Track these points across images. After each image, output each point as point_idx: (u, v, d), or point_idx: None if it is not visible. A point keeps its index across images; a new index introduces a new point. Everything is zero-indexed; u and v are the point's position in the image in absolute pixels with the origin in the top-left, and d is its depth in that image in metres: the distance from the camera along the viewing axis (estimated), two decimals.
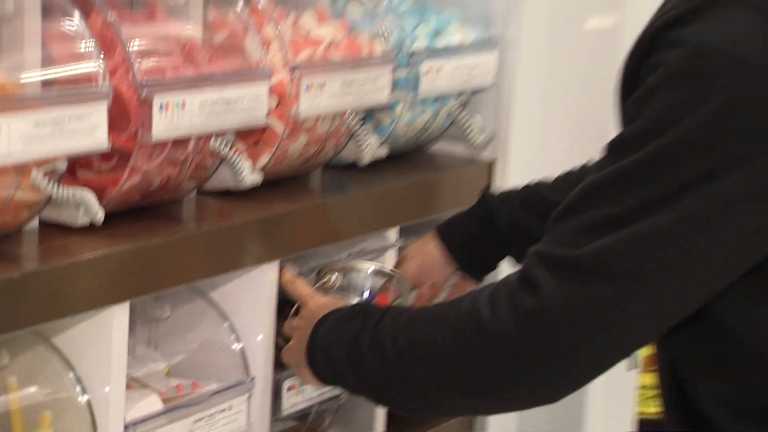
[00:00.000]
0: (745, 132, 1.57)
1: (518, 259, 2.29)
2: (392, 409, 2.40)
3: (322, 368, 1.97)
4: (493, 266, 2.42)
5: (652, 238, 1.60)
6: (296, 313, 2.11)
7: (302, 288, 2.13)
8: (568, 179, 2.32)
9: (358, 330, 1.90)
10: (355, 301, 2.13)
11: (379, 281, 2.23)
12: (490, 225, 2.32)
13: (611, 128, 2.37)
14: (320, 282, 2.20)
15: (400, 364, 1.83)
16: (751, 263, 1.63)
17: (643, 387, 3.00)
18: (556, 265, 1.64)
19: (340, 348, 1.93)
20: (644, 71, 1.64)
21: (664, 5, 1.69)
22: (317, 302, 2.05)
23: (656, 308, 1.65)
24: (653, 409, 3.18)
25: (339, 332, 1.94)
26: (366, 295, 2.21)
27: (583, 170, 2.32)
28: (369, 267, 2.23)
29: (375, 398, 2.00)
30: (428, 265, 2.35)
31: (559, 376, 1.71)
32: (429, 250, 2.36)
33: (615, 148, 1.66)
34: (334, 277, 2.20)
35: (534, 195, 2.33)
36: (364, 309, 1.96)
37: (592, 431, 2.88)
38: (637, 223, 1.59)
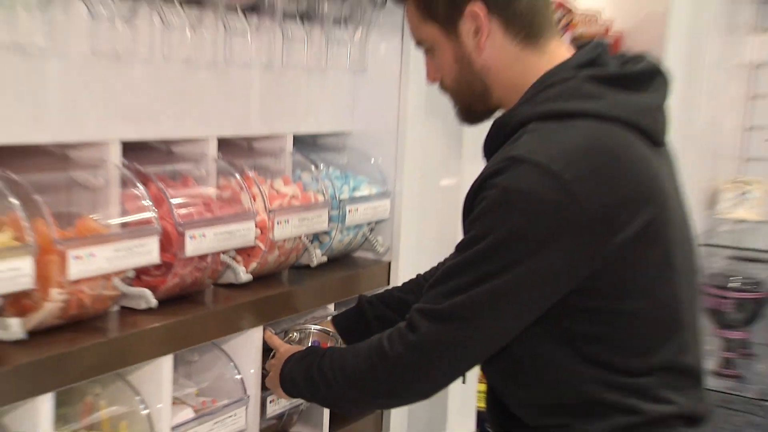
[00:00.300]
0: (529, 240, 1.55)
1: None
2: (334, 410, 2.35)
3: (289, 389, 1.94)
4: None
5: (480, 299, 1.58)
6: (272, 356, 2.06)
7: (276, 341, 2.09)
8: (413, 281, 2.27)
9: (309, 363, 1.87)
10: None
11: (321, 336, 2.17)
12: (361, 319, 2.22)
13: (458, 237, 2.40)
14: (287, 338, 2.15)
15: (336, 382, 1.80)
16: (536, 315, 1.61)
17: (479, 391, 2.98)
18: (427, 314, 1.64)
19: (299, 375, 1.89)
20: (476, 203, 1.61)
21: (485, 168, 1.64)
22: (285, 349, 2.01)
23: (485, 340, 1.65)
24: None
25: (298, 365, 1.91)
26: (314, 344, 2.14)
27: (423, 275, 2.28)
28: (314, 328, 2.17)
29: (323, 404, 1.99)
30: None
31: (431, 382, 1.70)
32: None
33: (460, 248, 1.64)
34: (294, 335, 2.15)
35: (390, 296, 2.25)
36: (313, 350, 1.94)
37: (453, 420, 2.86)
38: (472, 290, 1.58)
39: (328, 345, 2.14)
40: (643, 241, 1.60)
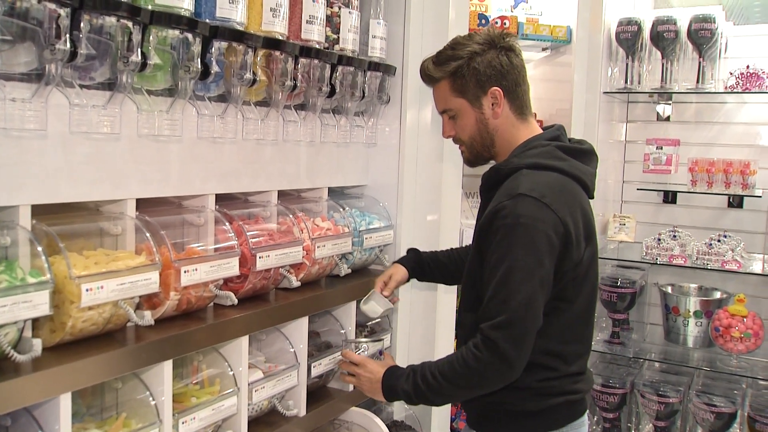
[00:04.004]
0: (541, 246, 1.55)
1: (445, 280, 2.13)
2: (435, 406, 1.98)
3: (390, 396, 1.77)
4: (426, 279, 2.16)
5: (525, 298, 1.54)
6: (349, 362, 1.91)
7: (358, 357, 1.87)
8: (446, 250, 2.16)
9: (414, 378, 1.69)
10: (377, 356, 1.94)
11: (378, 344, 1.99)
12: (419, 260, 2.12)
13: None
14: (358, 351, 1.93)
15: (442, 389, 1.65)
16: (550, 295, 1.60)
17: None
18: (497, 327, 1.56)
19: (407, 386, 1.71)
20: (494, 226, 1.58)
21: (495, 200, 1.62)
22: (372, 365, 1.83)
23: (538, 320, 1.58)
24: None
25: (399, 379, 1.73)
26: (380, 353, 1.97)
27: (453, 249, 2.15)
28: (380, 342, 1.99)
29: (428, 404, 1.73)
30: (399, 276, 2.10)
31: (518, 368, 1.60)
32: (398, 270, 2.12)
33: (493, 265, 1.57)
34: (364, 347, 1.94)
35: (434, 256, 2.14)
36: (412, 369, 1.73)
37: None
38: (518, 295, 1.54)
39: (384, 351, 2.00)
40: (584, 263, 1.66)
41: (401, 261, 2.15)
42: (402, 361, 2.39)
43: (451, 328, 2.64)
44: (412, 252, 2.16)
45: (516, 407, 1.72)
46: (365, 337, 2.13)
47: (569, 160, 1.71)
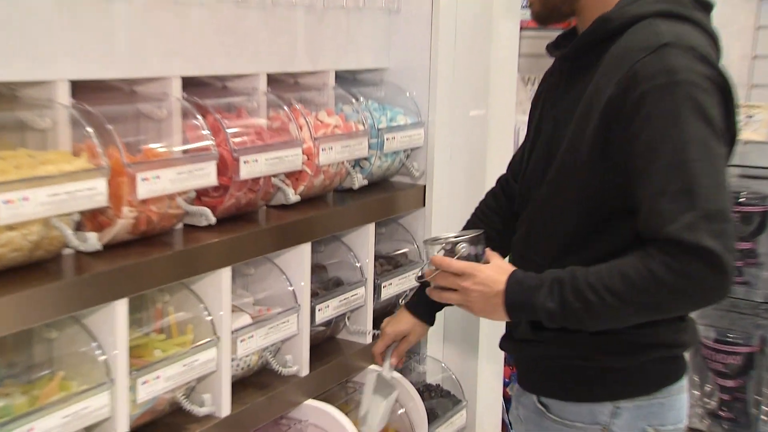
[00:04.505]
0: (711, 117, 1.48)
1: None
2: (575, 327, 1.63)
3: (516, 314, 1.63)
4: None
5: (709, 178, 1.45)
6: (421, 278, 1.81)
7: (456, 263, 1.68)
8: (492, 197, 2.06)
9: (549, 289, 1.56)
10: (479, 259, 1.72)
11: (478, 238, 1.73)
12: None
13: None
14: (457, 255, 1.69)
15: (606, 306, 1.51)
16: None
17: None
18: (688, 228, 1.42)
19: (544, 300, 1.57)
20: (630, 103, 1.51)
21: (610, 65, 1.57)
22: (485, 272, 1.65)
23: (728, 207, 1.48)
24: None
25: (535, 293, 1.58)
26: (483, 252, 1.73)
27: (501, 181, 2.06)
28: (479, 236, 1.73)
29: (570, 325, 1.59)
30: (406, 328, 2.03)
31: (730, 279, 1.47)
32: (406, 320, 2.03)
33: (645, 158, 1.49)
34: (463, 248, 1.69)
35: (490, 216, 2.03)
36: (552, 278, 1.58)
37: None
38: (702, 180, 1.45)
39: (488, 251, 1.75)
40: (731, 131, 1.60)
41: (411, 307, 2.05)
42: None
43: None
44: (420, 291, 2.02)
45: (590, 362, 1.67)
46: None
47: (701, 13, 1.64)
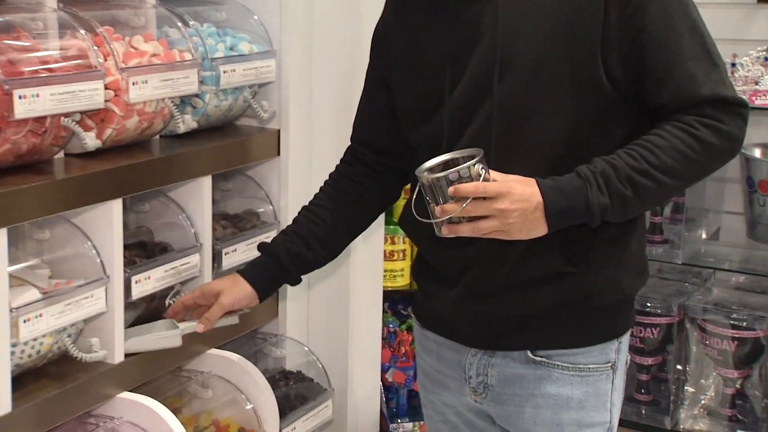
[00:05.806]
0: None
1: (292, 283, 2.03)
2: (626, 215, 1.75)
3: (559, 222, 1.65)
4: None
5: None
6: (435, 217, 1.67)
7: (491, 186, 1.63)
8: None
9: (596, 187, 1.63)
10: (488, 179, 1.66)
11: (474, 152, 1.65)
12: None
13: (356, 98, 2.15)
14: (482, 178, 1.62)
15: (661, 187, 1.65)
16: None
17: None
18: (721, 99, 1.65)
19: (595, 198, 1.63)
20: None
21: None
22: (518, 187, 1.64)
23: None
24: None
25: (578, 194, 1.63)
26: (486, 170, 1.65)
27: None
28: (474, 150, 1.66)
29: (621, 216, 1.68)
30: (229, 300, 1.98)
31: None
32: (240, 287, 1.99)
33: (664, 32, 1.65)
34: (481, 168, 1.61)
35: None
36: (591, 173, 1.64)
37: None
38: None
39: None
40: None
41: (245, 272, 2.02)
42: None
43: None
44: (266, 253, 2.01)
45: (605, 299, 1.80)
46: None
47: None
